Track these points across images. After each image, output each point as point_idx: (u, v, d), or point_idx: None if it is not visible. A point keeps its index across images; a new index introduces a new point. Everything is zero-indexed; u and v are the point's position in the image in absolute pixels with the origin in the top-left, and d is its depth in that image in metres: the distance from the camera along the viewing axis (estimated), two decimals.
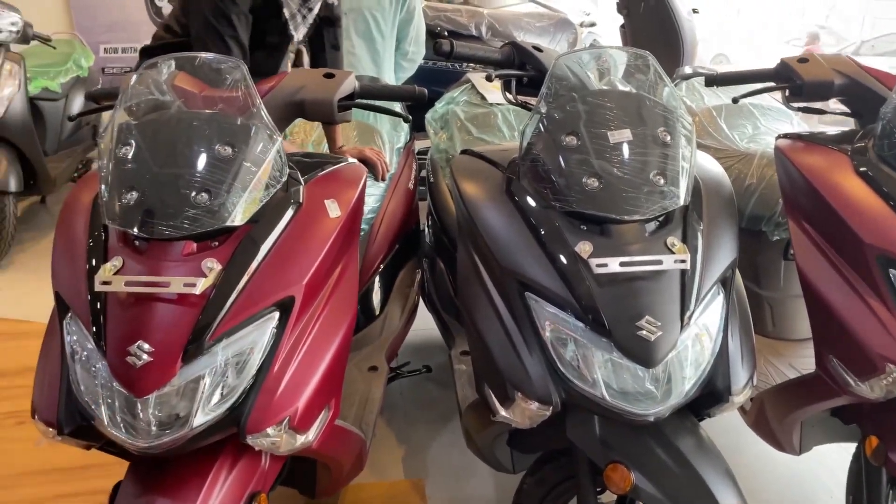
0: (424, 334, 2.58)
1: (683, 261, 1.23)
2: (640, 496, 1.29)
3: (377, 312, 2.07)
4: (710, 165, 1.47)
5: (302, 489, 1.58)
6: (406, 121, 1.63)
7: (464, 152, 1.58)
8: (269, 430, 1.16)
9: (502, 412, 1.31)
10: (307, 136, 2.22)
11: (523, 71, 1.53)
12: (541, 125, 1.34)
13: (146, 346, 1.09)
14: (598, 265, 1.21)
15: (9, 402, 2.46)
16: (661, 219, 1.30)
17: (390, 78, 3.03)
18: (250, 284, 1.17)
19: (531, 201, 1.33)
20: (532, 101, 1.43)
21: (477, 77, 2.59)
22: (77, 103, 4.20)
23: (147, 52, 1.94)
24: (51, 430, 1.17)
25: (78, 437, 1.20)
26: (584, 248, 1.24)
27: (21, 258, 3.72)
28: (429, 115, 2.48)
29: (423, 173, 2.59)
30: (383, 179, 2.12)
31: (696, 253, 1.28)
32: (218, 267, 1.15)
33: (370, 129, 2.35)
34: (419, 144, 2.75)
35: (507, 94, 1.57)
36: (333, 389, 1.30)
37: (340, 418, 1.40)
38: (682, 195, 1.29)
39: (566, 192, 1.28)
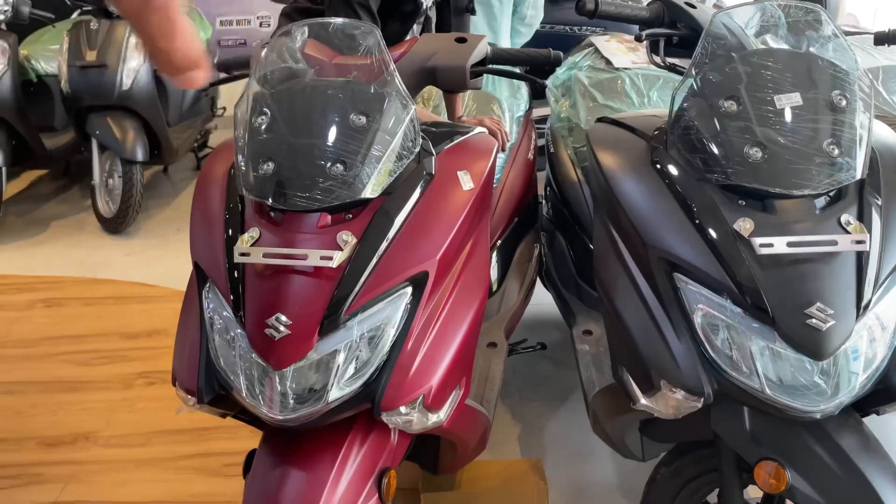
0: (538, 310, 2.50)
1: (861, 241, 1.09)
2: (794, 497, 1.18)
3: (495, 288, 2.01)
4: (888, 134, 1.30)
5: (424, 464, 1.56)
6: (541, 86, 1.55)
7: (600, 120, 1.48)
8: (403, 409, 1.13)
9: (643, 400, 1.23)
10: (426, 104, 2.16)
11: (674, 30, 1.40)
12: (695, 89, 1.22)
13: (284, 319, 1.08)
14: (763, 245, 1.09)
15: (139, 363, 2.58)
16: (832, 194, 1.16)
17: (506, 43, 2.92)
18: (384, 258, 1.14)
19: (681, 173, 1.22)
20: (682, 63, 1.31)
21: (601, 41, 2.46)
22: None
23: (286, 16, 1.92)
24: (191, 398, 1.19)
25: (216, 405, 1.21)
26: (744, 225, 1.13)
27: (147, 225, 3.88)
28: (549, 82, 2.37)
29: (541, 142, 2.49)
30: (503, 150, 2.04)
31: (875, 233, 1.14)
32: (353, 240, 1.13)
33: (488, 96, 2.27)
34: (536, 113, 2.65)
35: (654, 56, 1.44)
36: (465, 368, 1.26)
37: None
38: (859, 167, 1.15)
39: (724, 162, 1.16)
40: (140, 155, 3.62)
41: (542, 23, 3.08)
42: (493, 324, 1.96)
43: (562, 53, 1.46)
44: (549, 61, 1.45)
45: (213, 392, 1.19)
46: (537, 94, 2.45)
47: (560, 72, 2.36)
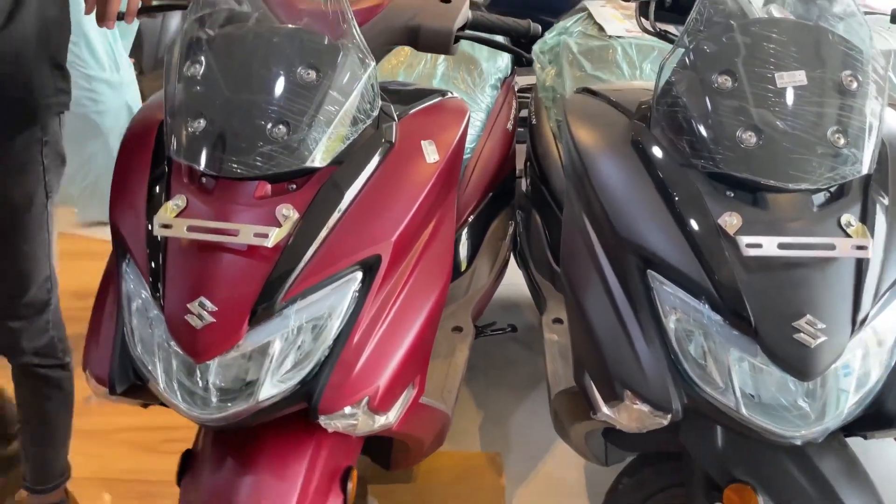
0: (511, 290, 2.36)
1: (863, 247, 0.95)
2: None
3: (464, 267, 1.87)
4: None
5: (375, 458, 1.44)
6: (527, 61, 1.40)
7: (580, 90, 1.32)
8: (346, 409, 1.00)
9: (605, 410, 1.09)
10: (398, 62, 1.99)
11: None
12: (686, 60, 1.06)
13: (209, 305, 0.94)
14: (749, 245, 0.95)
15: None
16: (833, 190, 1.02)
17: None
18: (331, 238, 1.00)
19: (664, 156, 1.07)
20: (674, 30, 1.15)
21: (595, 5, 2.27)
22: (176, 20, 4.09)
23: None
24: (101, 387, 1.05)
25: (133, 395, 1.08)
26: (729, 221, 0.98)
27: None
28: (536, 48, 2.19)
29: (524, 113, 2.33)
30: None
31: (878, 237, 1.00)
32: (295, 215, 0.98)
33: (466, 57, 2.09)
34: (523, 81, 2.47)
35: (643, 20, 1.28)
36: (420, 365, 1.13)
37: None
38: (867, 161, 1.00)
39: (712, 147, 1.01)
40: None
41: None
42: (459, 306, 1.83)
43: (540, 27, 1.31)
44: (527, 34, 1.30)
45: (128, 381, 1.05)
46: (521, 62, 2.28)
47: (549, 37, 2.18)
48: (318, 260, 0.99)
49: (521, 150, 2.27)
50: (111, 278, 1.09)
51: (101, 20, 1.21)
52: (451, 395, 1.49)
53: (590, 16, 2.23)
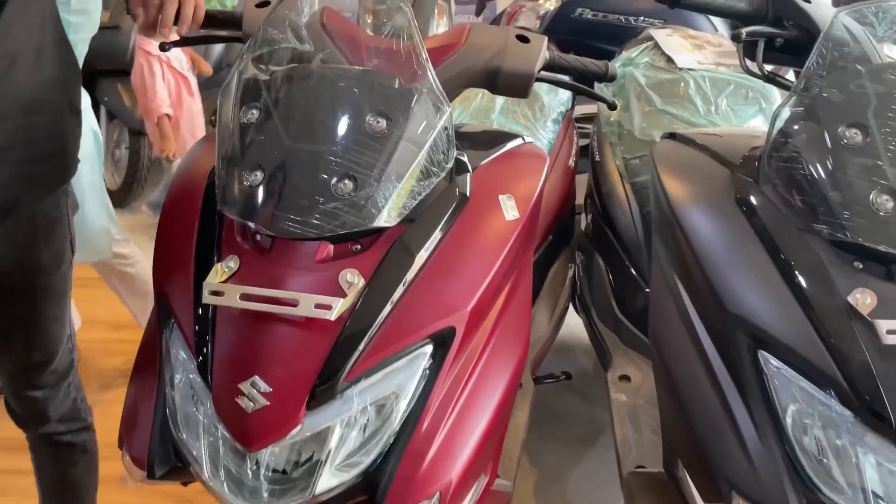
0: (564, 332, 2.22)
1: None
2: None
3: None
4: None
5: None
6: (612, 107, 1.27)
7: (669, 136, 1.19)
8: None
9: None
10: (464, 105, 1.86)
11: (779, 29, 1.10)
12: (805, 110, 0.93)
13: (262, 385, 0.84)
14: (891, 331, 0.81)
15: (121, 359, 2.37)
16: None
17: None
18: (399, 308, 0.89)
19: (777, 219, 0.94)
20: (786, 73, 1.02)
21: (661, 34, 2.14)
22: (219, 47, 4.04)
23: None
24: (139, 471, 0.95)
25: (173, 477, 0.97)
26: (862, 299, 0.84)
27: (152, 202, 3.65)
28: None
29: (584, 144, 2.20)
30: None
31: None
32: (360, 282, 0.87)
33: None
34: (578, 110, 2.34)
35: (748, 61, 1.15)
36: (495, 450, 1.01)
37: None
38: None
39: (840, 211, 0.87)
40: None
41: (593, 10, 2.75)
42: None
43: (617, 70, 1.19)
44: (604, 77, 1.18)
45: (169, 464, 0.95)
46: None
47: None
48: (385, 333, 0.87)
49: (579, 183, 2.14)
50: (152, 346, 0.99)
51: (164, 26, 1.09)
52: (511, 464, 1.35)
53: (656, 46, 2.09)
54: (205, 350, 0.89)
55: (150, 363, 0.99)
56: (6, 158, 1.10)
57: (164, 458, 0.94)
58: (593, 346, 1.86)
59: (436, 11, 3.39)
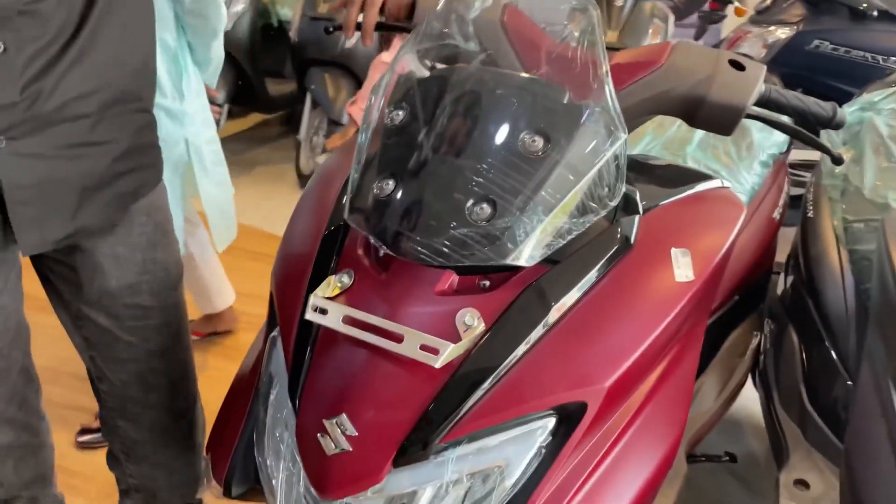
0: (737, 405, 1.93)
1: None
2: None
3: None
4: None
5: None
6: (837, 162, 1.04)
7: None
8: None
9: None
10: (656, 132, 1.66)
11: None
12: None
13: (349, 427, 0.74)
14: None
15: None
16: None
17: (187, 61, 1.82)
18: (522, 366, 0.75)
19: None
20: None
21: None
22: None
23: None
24: (216, 486, 0.90)
25: (251, 498, 0.91)
26: None
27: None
28: None
29: (797, 194, 1.89)
30: None
31: None
32: (480, 326, 0.75)
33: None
34: (795, 155, 2.03)
35: None
36: None
37: None
38: None
39: None
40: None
41: (834, 44, 2.38)
42: None
43: (847, 116, 0.96)
44: (830, 122, 0.96)
45: (248, 484, 0.89)
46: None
47: (848, 111, 1.74)
48: (499, 394, 0.74)
49: (782, 239, 1.84)
50: (254, 351, 0.93)
51: (366, 33, 1.09)
52: None
53: None
54: (300, 368, 0.80)
55: (251, 372, 0.93)
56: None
57: (244, 477, 0.88)
58: (768, 435, 1.57)
59: (650, 31, 3.16)
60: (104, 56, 1.02)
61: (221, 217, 2.00)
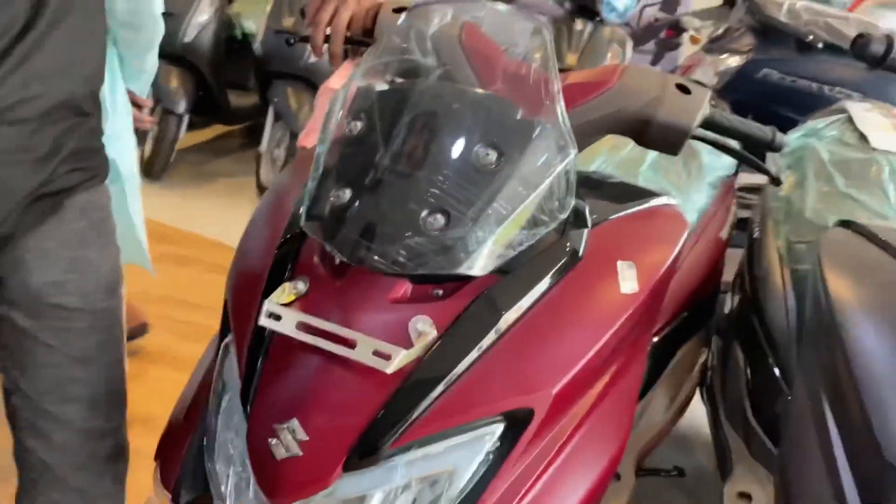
0: (684, 421, 1.97)
1: None
2: None
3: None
4: None
5: None
6: (775, 183, 1.09)
7: (843, 224, 0.99)
8: None
9: None
10: (611, 153, 1.70)
11: None
12: None
13: (300, 432, 0.75)
14: None
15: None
16: None
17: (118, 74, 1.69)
18: (471, 373, 0.77)
19: None
20: None
21: (858, 108, 1.88)
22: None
23: None
24: (165, 493, 0.89)
25: None
26: None
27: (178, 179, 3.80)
28: None
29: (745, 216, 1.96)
30: None
31: None
32: (432, 333, 0.77)
33: (686, 149, 1.77)
34: (744, 179, 2.10)
35: None
36: None
37: None
38: None
39: None
40: (180, 107, 3.57)
41: (781, 72, 2.48)
42: None
43: (786, 140, 1.03)
44: (770, 145, 1.01)
45: (196, 492, 0.88)
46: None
47: (793, 137, 1.82)
48: (449, 400, 0.76)
49: (730, 257, 1.90)
50: (206, 358, 0.93)
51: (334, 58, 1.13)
52: None
53: (849, 120, 1.84)
54: (252, 377, 0.81)
55: (203, 380, 0.93)
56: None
57: (193, 485, 0.87)
58: (714, 448, 1.62)
59: (609, 55, 3.25)
60: (49, 63, 1.01)
61: (131, 241, 1.85)
